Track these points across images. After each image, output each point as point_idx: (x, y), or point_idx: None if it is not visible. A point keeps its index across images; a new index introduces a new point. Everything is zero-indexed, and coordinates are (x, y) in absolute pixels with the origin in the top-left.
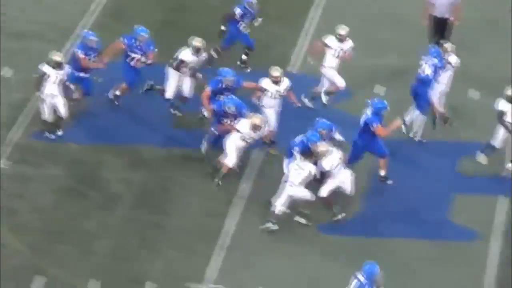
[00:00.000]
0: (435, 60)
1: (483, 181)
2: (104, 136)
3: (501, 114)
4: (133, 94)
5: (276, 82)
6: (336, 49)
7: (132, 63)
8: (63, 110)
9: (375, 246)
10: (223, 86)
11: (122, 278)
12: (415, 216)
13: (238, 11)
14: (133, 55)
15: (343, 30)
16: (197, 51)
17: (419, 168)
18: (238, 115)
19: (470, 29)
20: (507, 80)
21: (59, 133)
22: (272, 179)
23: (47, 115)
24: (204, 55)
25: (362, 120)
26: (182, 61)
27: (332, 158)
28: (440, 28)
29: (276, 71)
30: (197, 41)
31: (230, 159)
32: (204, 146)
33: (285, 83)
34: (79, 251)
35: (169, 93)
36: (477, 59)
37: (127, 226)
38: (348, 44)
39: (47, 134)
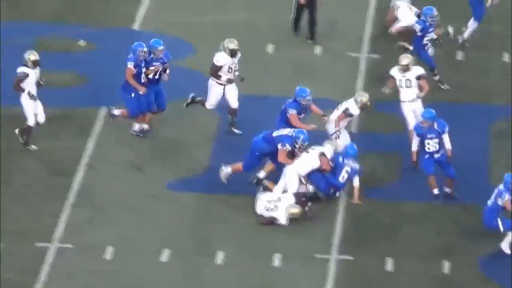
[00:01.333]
0: None
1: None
2: None
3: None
4: None
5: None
6: (400, 79)
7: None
8: (42, 116)
9: (222, 202)
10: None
11: None
12: None
13: (418, 27)
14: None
15: (405, 59)
16: (232, 53)
17: (263, 124)
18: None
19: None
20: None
21: (33, 147)
22: (116, 137)
23: (32, 120)
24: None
25: None
26: (219, 67)
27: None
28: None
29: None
30: (232, 43)
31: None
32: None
33: (417, 70)
34: None
35: (209, 103)
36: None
37: None
38: (415, 71)
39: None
